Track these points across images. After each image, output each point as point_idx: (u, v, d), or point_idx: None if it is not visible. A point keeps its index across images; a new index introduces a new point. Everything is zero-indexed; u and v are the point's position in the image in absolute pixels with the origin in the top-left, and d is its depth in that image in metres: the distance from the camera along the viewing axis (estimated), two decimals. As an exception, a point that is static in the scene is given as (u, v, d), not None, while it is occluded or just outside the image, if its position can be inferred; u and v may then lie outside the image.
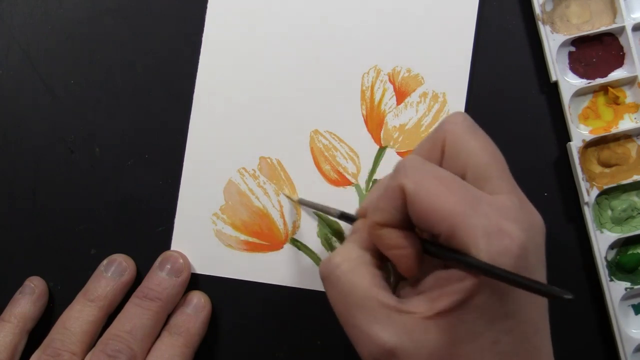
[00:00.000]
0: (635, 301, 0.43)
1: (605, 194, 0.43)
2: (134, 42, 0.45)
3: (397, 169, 0.33)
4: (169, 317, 0.43)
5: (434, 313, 0.31)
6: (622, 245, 0.43)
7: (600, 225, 0.43)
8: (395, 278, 0.36)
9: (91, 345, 0.41)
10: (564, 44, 0.43)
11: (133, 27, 0.45)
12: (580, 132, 0.43)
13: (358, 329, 0.33)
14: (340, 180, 0.45)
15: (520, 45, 0.44)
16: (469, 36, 0.44)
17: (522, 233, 0.31)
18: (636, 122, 0.43)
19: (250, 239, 0.45)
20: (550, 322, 0.44)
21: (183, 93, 0.45)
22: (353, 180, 0.44)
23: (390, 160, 0.44)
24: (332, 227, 0.44)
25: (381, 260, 0.35)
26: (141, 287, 0.42)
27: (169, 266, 0.43)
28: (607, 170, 0.43)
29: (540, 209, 0.44)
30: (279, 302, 0.45)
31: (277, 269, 0.44)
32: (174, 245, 0.45)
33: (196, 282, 0.45)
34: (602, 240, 0.43)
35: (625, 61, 0.43)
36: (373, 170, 0.44)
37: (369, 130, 0.44)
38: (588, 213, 0.43)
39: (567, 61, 0.44)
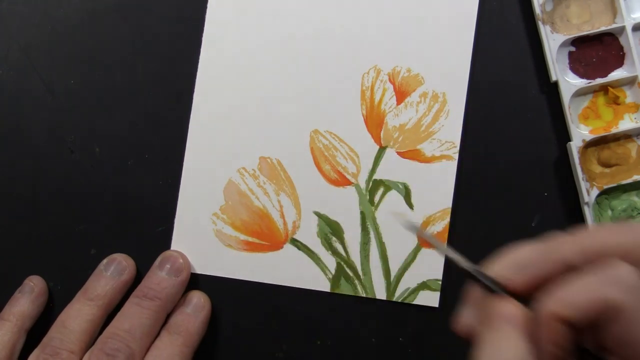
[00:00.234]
0: (636, 301, 0.43)
1: (605, 194, 0.43)
2: (134, 42, 0.45)
3: (609, 278, 0.26)
4: (168, 316, 0.43)
5: None
6: (622, 245, 0.43)
7: (600, 225, 0.43)
8: None
9: (90, 344, 0.41)
10: (564, 44, 0.43)
11: (133, 27, 0.45)
12: (580, 132, 0.43)
13: None
14: (340, 180, 0.45)
15: (520, 45, 0.44)
16: (469, 36, 0.44)
17: None
18: (636, 122, 0.43)
19: (250, 239, 0.45)
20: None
21: (183, 93, 0.45)
22: (353, 180, 0.45)
23: (390, 160, 0.44)
24: (332, 227, 0.44)
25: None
26: (140, 286, 0.42)
27: (168, 266, 0.43)
28: (607, 170, 0.43)
29: (540, 209, 0.44)
30: (278, 302, 0.45)
31: (277, 269, 0.44)
32: (174, 245, 0.45)
33: (196, 282, 0.45)
34: (602, 240, 0.43)
35: (625, 61, 0.43)
36: (373, 170, 0.44)
37: (369, 130, 0.44)
38: (588, 213, 0.43)
39: (567, 61, 0.44)
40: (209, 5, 0.45)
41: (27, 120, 0.45)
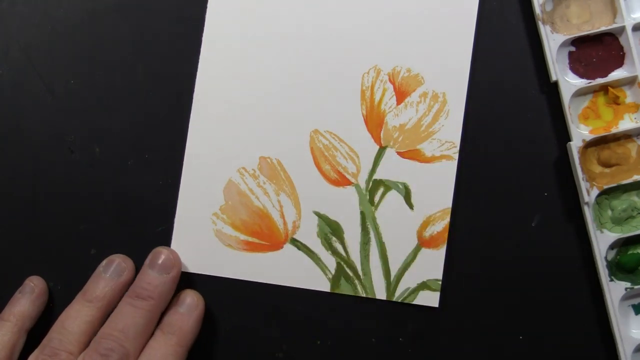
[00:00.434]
0: (635, 301, 0.43)
1: (605, 193, 0.43)
2: (134, 42, 0.45)
3: None
4: (162, 316, 0.43)
5: None
6: (622, 245, 0.43)
7: (600, 225, 0.43)
8: None
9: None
10: (564, 44, 0.43)
11: (133, 27, 0.45)
12: (580, 132, 0.43)
13: None
14: (340, 180, 0.45)
15: (520, 45, 0.44)
16: (469, 36, 0.44)
17: None
18: (636, 122, 0.43)
19: (250, 239, 0.45)
20: (550, 321, 0.44)
21: (183, 93, 0.45)
22: (353, 180, 0.45)
23: (390, 160, 0.44)
24: (332, 227, 0.44)
25: None
26: (133, 286, 0.42)
27: (159, 263, 0.43)
28: (607, 170, 0.43)
29: (540, 209, 0.44)
30: (278, 302, 0.45)
31: (277, 268, 0.44)
32: (174, 245, 0.45)
33: (196, 282, 0.45)
34: (602, 240, 0.43)
35: (625, 61, 0.43)
36: (373, 170, 0.44)
37: (369, 130, 0.44)
38: (588, 213, 0.43)
39: (567, 61, 0.44)
40: (209, 5, 0.45)
41: (27, 120, 0.45)
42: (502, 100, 0.44)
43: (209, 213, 0.45)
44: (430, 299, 0.44)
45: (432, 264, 0.44)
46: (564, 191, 0.44)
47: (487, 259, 0.44)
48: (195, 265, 0.45)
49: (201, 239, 0.45)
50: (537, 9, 0.43)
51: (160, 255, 0.43)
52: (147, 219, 0.45)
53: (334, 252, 0.44)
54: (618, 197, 0.43)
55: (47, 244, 0.45)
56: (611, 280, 0.43)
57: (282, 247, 0.45)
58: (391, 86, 0.44)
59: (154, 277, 0.42)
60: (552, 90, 0.44)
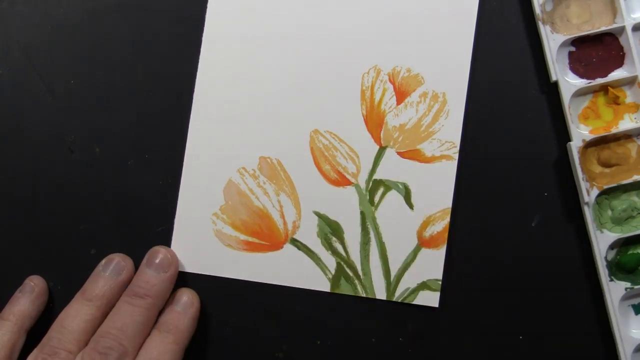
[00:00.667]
0: (635, 301, 0.43)
1: (605, 194, 0.43)
2: (134, 42, 0.45)
3: None
4: (158, 315, 0.43)
5: None
6: (622, 245, 0.43)
7: (600, 225, 0.43)
8: None
9: (89, 344, 0.42)
10: (564, 44, 0.43)
11: (133, 27, 0.45)
12: (580, 132, 0.43)
13: None
14: (340, 180, 0.45)
15: (520, 45, 0.44)
16: (469, 36, 0.44)
17: None
18: (636, 122, 0.43)
19: (250, 239, 0.45)
20: (550, 321, 0.44)
21: (183, 93, 0.45)
22: (353, 180, 0.45)
23: (390, 160, 0.44)
24: (332, 227, 0.44)
25: None
26: (131, 285, 0.43)
27: (156, 262, 0.43)
28: (607, 170, 0.43)
29: (540, 209, 0.44)
30: (278, 302, 0.45)
31: (277, 269, 0.44)
32: (174, 245, 0.45)
33: (196, 282, 0.45)
34: (602, 240, 0.43)
35: (625, 61, 0.43)
36: (373, 170, 0.44)
37: (369, 130, 0.44)
38: (588, 213, 0.43)
39: (567, 61, 0.44)
40: (209, 5, 0.45)
41: (27, 120, 0.45)
42: (502, 100, 0.44)
43: (209, 213, 0.45)
44: (430, 299, 0.44)
45: (432, 264, 0.44)
46: (564, 191, 0.44)
47: (487, 259, 0.44)
48: (195, 265, 0.45)
49: (201, 239, 0.45)
50: (537, 9, 0.43)
51: (158, 254, 0.43)
52: (147, 219, 0.45)
53: (334, 252, 0.44)
54: (618, 197, 0.43)
55: (47, 244, 0.45)
56: (611, 280, 0.43)
57: (282, 247, 0.45)
58: (391, 86, 0.44)
59: (152, 276, 0.42)
60: (552, 90, 0.44)
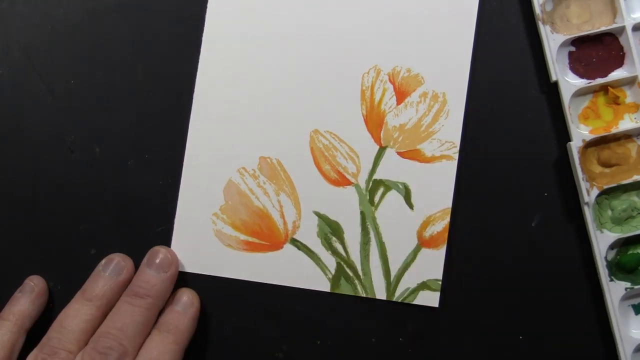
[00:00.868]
0: (635, 301, 0.43)
1: (605, 194, 0.43)
2: (134, 42, 0.45)
3: None
4: (158, 315, 0.43)
5: None
6: (622, 245, 0.43)
7: (600, 225, 0.43)
8: None
9: (89, 344, 0.42)
10: (564, 44, 0.43)
11: (133, 27, 0.45)
12: (580, 132, 0.43)
13: None
14: (340, 180, 0.45)
15: (520, 45, 0.44)
16: (469, 36, 0.44)
17: None
18: (636, 122, 0.43)
19: (250, 239, 0.45)
20: (550, 321, 0.44)
21: (183, 93, 0.45)
22: (353, 180, 0.45)
23: (390, 160, 0.44)
24: (332, 227, 0.44)
25: None
26: (131, 285, 0.43)
27: (156, 262, 0.43)
28: (607, 170, 0.43)
29: (540, 209, 0.44)
30: (278, 302, 0.45)
31: (277, 269, 0.44)
32: (174, 245, 0.45)
33: (196, 282, 0.45)
34: (602, 240, 0.43)
35: (625, 61, 0.43)
36: (373, 170, 0.44)
37: (369, 130, 0.44)
38: (588, 213, 0.43)
39: (567, 61, 0.44)
40: (209, 5, 0.45)
41: (27, 120, 0.45)
42: (502, 100, 0.44)
43: (209, 213, 0.45)
44: (430, 299, 0.44)
45: (432, 264, 0.44)
46: (564, 191, 0.44)
47: (487, 259, 0.44)
48: (195, 265, 0.45)
49: (201, 239, 0.45)
50: (537, 9, 0.43)
51: (158, 254, 0.43)
52: (147, 219, 0.45)
53: (334, 252, 0.44)
54: (618, 197, 0.43)
55: (47, 244, 0.45)
56: (611, 280, 0.43)
57: (282, 247, 0.45)
58: (391, 86, 0.44)
59: (152, 276, 0.42)
60: (552, 90, 0.44)
